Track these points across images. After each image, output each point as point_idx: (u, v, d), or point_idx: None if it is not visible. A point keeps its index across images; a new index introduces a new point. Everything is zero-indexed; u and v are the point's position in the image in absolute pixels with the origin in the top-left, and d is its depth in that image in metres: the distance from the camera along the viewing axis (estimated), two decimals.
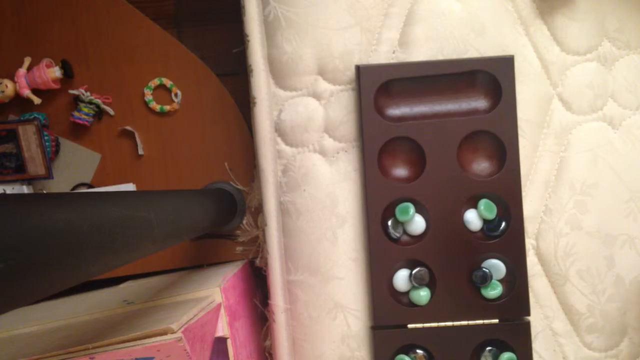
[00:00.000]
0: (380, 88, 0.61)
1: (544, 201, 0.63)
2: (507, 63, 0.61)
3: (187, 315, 0.50)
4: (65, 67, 0.77)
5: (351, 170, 0.63)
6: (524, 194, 0.63)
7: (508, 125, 0.61)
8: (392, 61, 0.62)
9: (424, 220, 0.61)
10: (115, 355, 0.45)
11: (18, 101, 0.79)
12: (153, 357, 0.46)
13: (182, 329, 0.47)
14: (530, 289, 0.63)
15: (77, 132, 0.80)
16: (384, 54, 0.62)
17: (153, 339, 0.46)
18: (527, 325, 0.62)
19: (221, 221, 0.70)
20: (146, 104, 0.80)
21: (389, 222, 0.61)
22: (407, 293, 0.62)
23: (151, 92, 0.79)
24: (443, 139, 0.61)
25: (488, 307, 0.61)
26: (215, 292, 0.60)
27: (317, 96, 0.63)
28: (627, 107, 0.64)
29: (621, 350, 0.64)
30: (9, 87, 0.76)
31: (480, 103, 0.62)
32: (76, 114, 0.78)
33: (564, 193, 0.63)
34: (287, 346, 0.63)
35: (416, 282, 0.61)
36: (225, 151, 0.81)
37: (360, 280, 0.63)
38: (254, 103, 0.63)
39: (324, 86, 0.63)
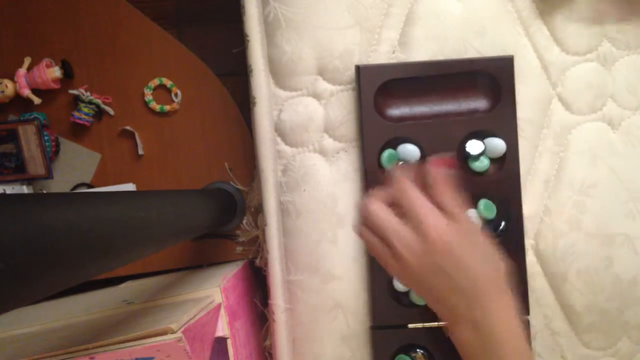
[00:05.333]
0: (380, 88, 0.61)
1: (543, 201, 0.63)
2: (507, 63, 0.61)
3: (187, 315, 0.51)
4: (65, 67, 0.77)
5: (351, 170, 0.63)
6: (523, 194, 0.63)
7: (508, 125, 0.61)
8: (392, 61, 0.62)
9: None
10: (115, 355, 0.45)
11: (18, 101, 0.79)
12: (153, 357, 0.46)
13: (182, 329, 0.47)
14: (529, 289, 0.63)
15: (77, 132, 0.80)
16: (384, 54, 0.62)
17: (153, 339, 0.46)
18: (526, 324, 0.62)
19: (221, 221, 0.70)
20: (146, 104, 0.80)
21: None
22: (407, 293, 0.62)
23: (151, 92, 0.79)
24: (443, 139, 0.61)
25: None
26: (215, 292, 0.60)
27: (317, 96, 0.63)
28: (626, 108, 0.64)
29: (619, 349, 0.64)
30: (9, 87, 0.77)
31: (480, 103, 0.62)
32: (76, 114, 0.78)
33: (563, 193, 0.63)
34: (287, 346, 0.63)
35: None
36: (225, 151, 0.81)
37: (360, 280, 0.63)
38: (254, 103, 0.63)
39: (324, 86, 0.63)
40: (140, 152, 0.80)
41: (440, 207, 0.44)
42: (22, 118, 0.78)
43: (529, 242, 0.63)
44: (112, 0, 0.79)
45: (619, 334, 0.64)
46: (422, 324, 0.61)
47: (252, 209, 0.75)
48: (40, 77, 0.76)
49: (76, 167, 0.81)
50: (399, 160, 0.61)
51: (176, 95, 0.80)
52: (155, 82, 0.79)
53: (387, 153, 0.60)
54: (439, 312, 0.46)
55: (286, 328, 0.63)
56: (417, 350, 0.62)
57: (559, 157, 0.63)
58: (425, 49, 0.62)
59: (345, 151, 0.63)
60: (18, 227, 0.27)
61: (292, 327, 0.64)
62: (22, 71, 0.77)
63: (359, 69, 0.60)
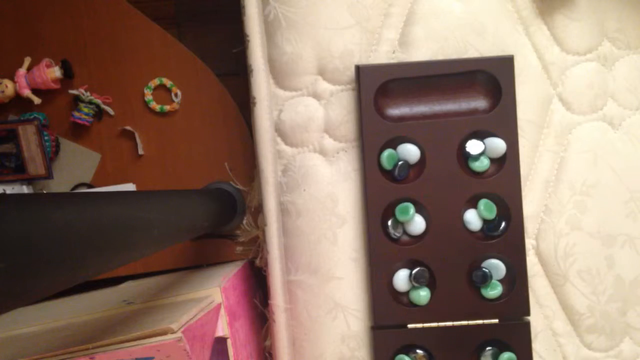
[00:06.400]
0: (380, 88, 0.61)
1: (544, 201, 0.63)
2: (507, 63, 0.61)
3: (187, 315, 0.50)
4: (65, 67, 0.77)
5: (351, 170, 0.63)
6: (524, 194, 0.63)
7: (508, 125, 0.61)
8: (392, 61, 0.62)
9: (424, 220, 0.61)
10: (115, 355, 0.45)
11: (18, 101, 0.79)
12: (153, 357, 0.46)
13: (182, 329, 0.47)
14: (530, 289, 0.63)
15: (77, 132, 0.80)
16: (384, 54, 0.62)
17: (153, 339, 0.46)
18: (527, 325, 0.62)
19: (221, 221, 0.70)
20: (146, 104, 0.80)
21: (389, 222, 0.61)
22: (407, 293, 0.62)
23: (151, 92, 0.79)
24: (443, 139, 0.61)
25: (488, 307, 0.61)
26: (215, 292, 0.60)
27: (317, 96, 0.63)
28: (627, 107, 0.64)
29: (621, 351, 0.64)
30: (9, 87, 0.76)
31: (480, 103, 0.62)
32: (76, 114, 0.78)
33: (564, 193, 0.63)
34: (287, 346, 0.63)
35: (416, 282, 0.61)
36: (225, 151, 0.81)
37: (360, 280, 0.63)
38: (254, 103, 0.63)
39: (324, 86, 0.63)
40: (140, 152, 0.80)
41: None
42: (22, 118, 0.78)
43: (529, 242, 0.63)
44: (112, 0, 0.79)
45: (621, 335, 0.64)
46: (422, 324, 0.61)
47: (252, 209, 0.75)
48: (40, 77, 0.76)
49: (76, 167, 0.81)
50: (399, 160, 0.61)
51: (176, 95, 0.80)
52: (155, 82, 0.79)
53: (387, 153, 0.60)
54: None
55: (286, 328, 0.63)
56: (417, 350, 0.61)
57: (559, 156, 0.63)
58: (425, 48, 0.62)
59: (345, 151, 0.63)
60: (18, 227, 0.27)
61: (292, 327, 0.64)
62: (22, 71, 0.77)
63: (359, 69, 0.60)
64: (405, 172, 0.61)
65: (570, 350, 0.64)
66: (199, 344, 0.51)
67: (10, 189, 0.77)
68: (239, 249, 0.79)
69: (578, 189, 0.63)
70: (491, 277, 0.61)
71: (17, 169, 0.77)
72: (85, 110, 0.78)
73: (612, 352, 0.64)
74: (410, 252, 0.61)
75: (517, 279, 0.61)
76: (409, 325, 0.62)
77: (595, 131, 0.63)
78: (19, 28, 0.79)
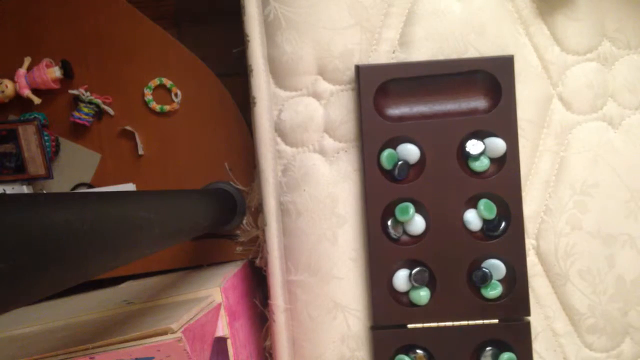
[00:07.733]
0: (380, 88, 0.61)
1: (544, 201, 0.63)
2: (507, 63, 0.61)
3: (187, 315, 0.50)
4: (65, 67, 0.77)
5: (351, 170, 0.63)
6: (524, 194, 0.63)
7: (508, 125, 0.61)
8: (392, 61, 0.62)
9: (423, 220, 0.61)
10: (115, 355, 0.45)
11: (18, 101, 0.79)
12: (153, 357, 0.46)
13: (182, 329, 0.47)
14: (530, 289, 0.63)
15: (77, 132, 0.80)
16: (384, 54, 0.62)
17: (153, 339, 0.46)
18: (527, 325, 0.62)
19: (221, 221, 0.70)
20: (146, 104, 0.80)
21: (389, 222, 0.61)
22: (407, 293, 0.62)
23: (151, 92, 0.79)
24: (443, 139, 0.61)
25: (488, 307, 0.61)
26: (215, 292, 0.60)
27: (317, 96, 0.63)
28: (627, 107, 0.64)
29: (622, 351, 0.64)
30: (9, 87, 0.76)
31: (480, 103, 0.62)
32: (76, 114, 0.78)
33: (564, 193, 0.63)
34: (287, 346, 0.63)
35: (416, 282, 0.61)
36: (225, 151, 0.81)
37: (360, 280, 0.63)
38: (254, 103, 0.63)
39: (324, 86, 0.63)
40: (140, 152, 0.80)
41: None
42: (22, 118, 0.78)
43: (529, 243, 0.63)
44: (112, 0, 0.79)
45: (622, 335, 0.64)
46: (422, 324, 0.61)
47: (252, 209, 0.75)
48: (40, 77, 0.76)
49: (76, 167, 0.81)
50: (399, 160, 0.61)
51: (176, 95, 0.80)
52: (155, 82, 0.79)
53: (386, 153, 0.60)
54: None
55: (286, 328, 0.63)
56: (417, 350, 0.61)
57: (559, 156, 0.63)
58: (425, 48, 0.62)
59: (345, 151, 0.63)
60: (18, 227, 0.27)
61: (292, 327, 0.64)
62: (22, 71, 0.77)
63: (358, 68, 0.60)
64: (405, 172, 0.61)
65: (571, 351, 0.64)
66: (199, 344, 0.51)
67: (10, 189, 0.77)
68: (239, 249, 0.79)
69: (578, 188, 0.63)
70: (491, 277, 0.61)
71: (17, 169, 0.77)
72: (85, 110, 0.78)
73: (613, 352, 0.64)
74: (410, 252, 0.61)
75: (517, 279, 0.61)
76: (409, 325, 0.62)
77: (595, 131, 0.63)
78: (19, 28, 0.79)
